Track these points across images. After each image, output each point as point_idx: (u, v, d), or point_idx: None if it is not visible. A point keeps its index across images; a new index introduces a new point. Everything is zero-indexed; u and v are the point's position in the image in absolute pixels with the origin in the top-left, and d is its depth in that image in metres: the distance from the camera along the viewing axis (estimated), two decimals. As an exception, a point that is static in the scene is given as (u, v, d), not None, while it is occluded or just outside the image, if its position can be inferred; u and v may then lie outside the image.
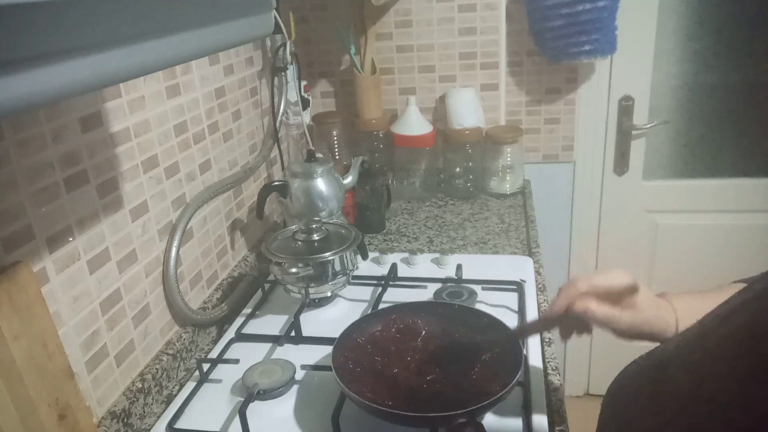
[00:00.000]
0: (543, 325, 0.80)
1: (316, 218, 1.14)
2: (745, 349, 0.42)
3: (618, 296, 0.67)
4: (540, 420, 0.80)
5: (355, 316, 1.08)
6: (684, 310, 0.68)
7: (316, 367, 0.92)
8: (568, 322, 0.70)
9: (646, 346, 0.59)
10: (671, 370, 0.50)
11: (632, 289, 0.67)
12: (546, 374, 0.91)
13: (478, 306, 1.04)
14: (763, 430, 0.39)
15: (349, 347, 0.86)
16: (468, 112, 1.58)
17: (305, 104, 1.48)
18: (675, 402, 0.47)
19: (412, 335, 0.89)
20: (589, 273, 0.72)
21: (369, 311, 1.07)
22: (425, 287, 1.13)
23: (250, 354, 0.97)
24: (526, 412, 0.81)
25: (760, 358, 0.41)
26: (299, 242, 1.10)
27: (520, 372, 0.75)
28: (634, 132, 1.81)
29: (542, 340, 0.98)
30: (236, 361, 0.93)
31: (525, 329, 0.87)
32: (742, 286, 0.65)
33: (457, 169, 1.64)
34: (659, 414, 0.49)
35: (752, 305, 0.45)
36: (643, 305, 0.67)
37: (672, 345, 0.54)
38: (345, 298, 1.14)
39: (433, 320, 0.91)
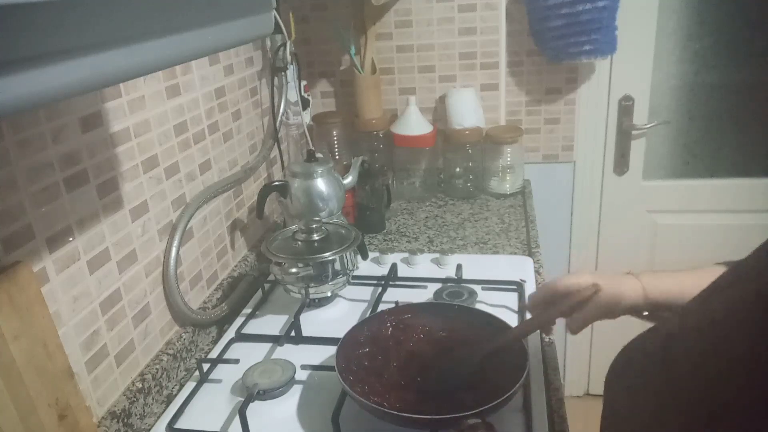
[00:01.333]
0: (524, 332, 0.84)
1: (316, 218, 1.14)
2: (753, 308, 0.45)
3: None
4: (540, 420, 0.80)
5: (355, 316, 1.08)
6: (650, 281, 0.76)
7: (316, 367, 0.92)
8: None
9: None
10: (680, 340, 0.53)
11: (595, 291, 0.76)
12: (546, 374, 0.91)
13: (479, 306, 1.04)
14: None
15: (352, 348, 0.86)
16: (468, 112, 1.58)
17: (305, 104, 1.48)
18: (689, 362, 0.49)
19: (415, 336, 0.89)
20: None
21: (369, 311, 1.07)
22: (425, 287, 1.13)
23: (250, 354, 0.97)
24: (526, 412, 0.81)
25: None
26: (299, 242, 1.10)
27: (525, 371, 0.75)
28: (634, 132, 1.81)
29: (542, 341, 0.98)
30: (236, 361, 0.93)
31: (522, 332, 0.84)
32: (723, 268, 0.67)
33: (457, 169, 1.64)
34: (672, 371, 0.51)
35: (756, 271, 0.48)
36: (605, 291, 0.76)
37: (675, 320, 0.57)
38: (345, 298, 1.14)
39: (437, 321, 0.91)
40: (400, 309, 0.95)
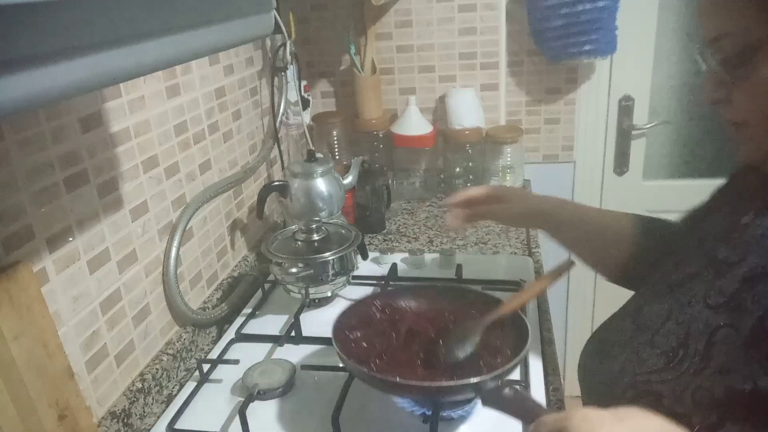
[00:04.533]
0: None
1: (316, 218, 1.14)
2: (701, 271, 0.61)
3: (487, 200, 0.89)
4: (540, 420, 0.80)
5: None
6: (556, 206, 0.89)
7: (316, 367, 0.92)
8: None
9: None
10: (646, 305, 0.67)
11: (494, 195, 0.89)
12: (546, 374, 0.91)
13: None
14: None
15: (345, 333, 0.85)
16: (468, 112, 1.58)
17: (305, 104, 1.48)
18: (657, 319, 0.63)
19: (408, 316, 0.89)
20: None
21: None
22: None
23: (250, 354, 0.97)
24: (526, 412, 0.81)
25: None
26: (299, 242, 1.10)
27: (527, 346, 0.76)
28: (634, 132, 1.81)
29: (542, 341, 0.98)
30: (236, 362, 0.93)
31: (519, 303, 0.85)
32: (631, 216, 0.90)
33: (457, 169, 1.64)
34: (641, 325, 0.66)
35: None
36: (519, 193, 0.92)
37: (641, 292, 0.72)
38: (345, 298, 1.14)
39: (423, 302, 0.91)
40: (385, 293, 0.94)
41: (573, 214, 0.88)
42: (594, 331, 0.76)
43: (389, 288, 0.96)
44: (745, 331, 0.52)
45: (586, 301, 1.97)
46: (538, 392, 0.86)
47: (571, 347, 2.06)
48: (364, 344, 0.83)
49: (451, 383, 0.72)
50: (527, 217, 0.90)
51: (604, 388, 0.63)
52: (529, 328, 0.79)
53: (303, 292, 1.07)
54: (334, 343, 0.80)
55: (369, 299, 0.92)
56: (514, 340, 0.79)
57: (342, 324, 0.85)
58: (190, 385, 0.92)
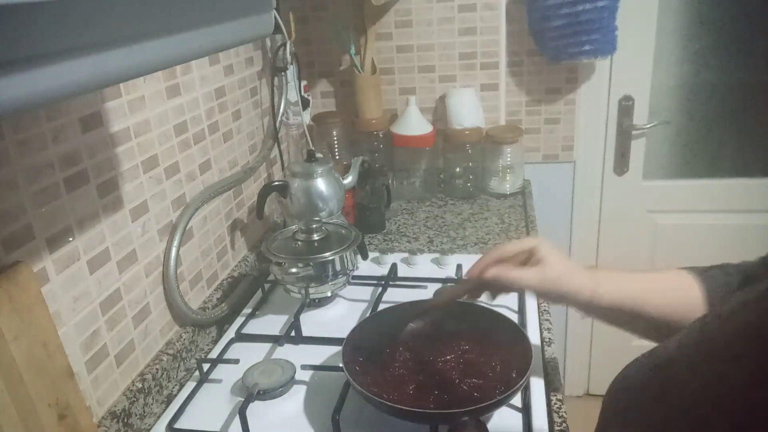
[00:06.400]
0: (460, 290, 0.84)
1: (316, 218, 1.14)
2: (751, 349, 0.41)
3: (525, 258, 0.76)
4: (540, 420, 0.80)
5: (355, 316, 1.08)
6: (606, 280, 0.74)
7: (316, 367, 0.92)
8: (486, 287, 0.80)
9: (647, 345, 0.59)
10: (675, 370, 0.50)
11: (533, 249, 0.75)
12: (546, 374, 0.91)
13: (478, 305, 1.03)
14: (763, 430, 0.38)
15: (362, 338, 0.87)
16: (468, 112, 1.58)
17: (305, 104, 1.48)
18: (680, 400, 0.46)
19: (426, 333, 0.89)
20: None
21: (369, 311, 1.07)
22: (425, 287, 1.12)
23: (250, 354, 0.97)
24: (526, 412, 0.81)
25: (766, 359, 0.40)
26: (299, 242, 1.10)
27: (527, 374, 0.75)
28: (634, 132, 1.81)
29: (542, 340, 0.98)
30: (236, 361, 0.93)
31: (443, 296, 0.87)
32: (687, 273, 0.72)
33: (457, 169, 1.64)
34: (665, 411, 0.48)
35: (757, 306, 0.45)
36: (550, 263, 0.73)
37: (673, 344, 0.53)
38: (345, 298, 1.14)
39: (452, 321, 0.91)
40: (408, 305, 0.94)
41: (614, 298, 0.73)
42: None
43: (419, 301, 0.96)
44: None
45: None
46: (538, 392, 0.86)
47: (571, 347, 2.06)
48: (374, 354, 0.85)
49: (429, 410, 0.74)
50: (553, 298, 0.76)
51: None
52: (532, 353, 0.79)
53: (303, 292, 1.07)
54: (343, 345, 0.83)
55: (401, 308, 0.92)
56: (514, 370, 0.79)
57: (362, 329, 0.88)
58: (190, 385, 0.92)
